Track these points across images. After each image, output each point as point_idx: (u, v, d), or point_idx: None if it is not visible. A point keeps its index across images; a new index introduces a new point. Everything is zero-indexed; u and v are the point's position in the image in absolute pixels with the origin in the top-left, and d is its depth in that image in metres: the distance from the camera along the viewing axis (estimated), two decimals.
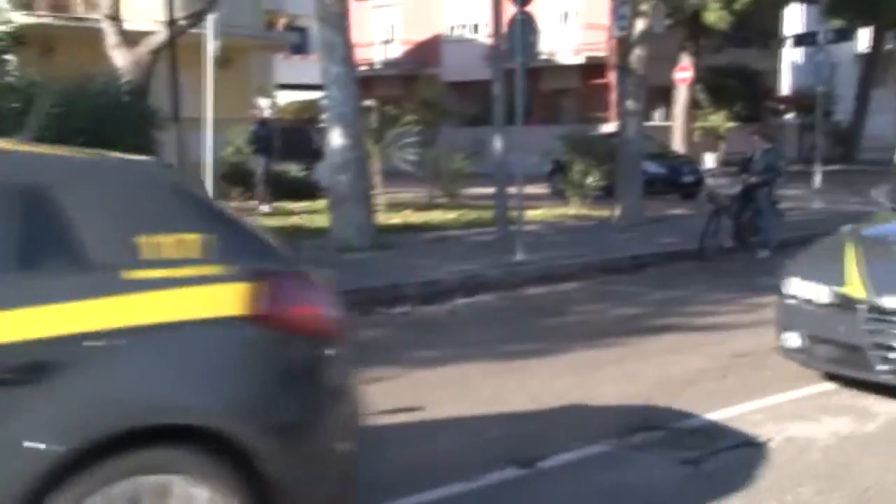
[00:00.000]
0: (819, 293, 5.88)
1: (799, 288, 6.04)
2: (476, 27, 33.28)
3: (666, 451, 4.85)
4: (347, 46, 11.85)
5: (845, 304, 5.69)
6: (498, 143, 13.30)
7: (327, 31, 11.76)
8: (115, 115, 11.40)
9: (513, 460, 4.70)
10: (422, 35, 35.69)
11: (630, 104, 15.54)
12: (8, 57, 15.72)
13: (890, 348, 5.47)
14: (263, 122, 18.69)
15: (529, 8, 12.06)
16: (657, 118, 30.25)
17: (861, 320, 5.58)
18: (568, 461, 4.74)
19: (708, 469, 4.61)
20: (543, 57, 30.66)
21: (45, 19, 20.43)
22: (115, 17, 16.94)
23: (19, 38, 16.09)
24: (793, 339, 6.04)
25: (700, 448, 4.85)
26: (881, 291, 5.56)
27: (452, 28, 35.63)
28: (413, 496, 4.27)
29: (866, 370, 5.59)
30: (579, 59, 31.37)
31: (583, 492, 4.37)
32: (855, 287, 5.70)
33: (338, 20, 11.77)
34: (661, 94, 27.58)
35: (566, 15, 32.02)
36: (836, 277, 5.86)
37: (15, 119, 10.47)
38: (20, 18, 17.66)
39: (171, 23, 16.06)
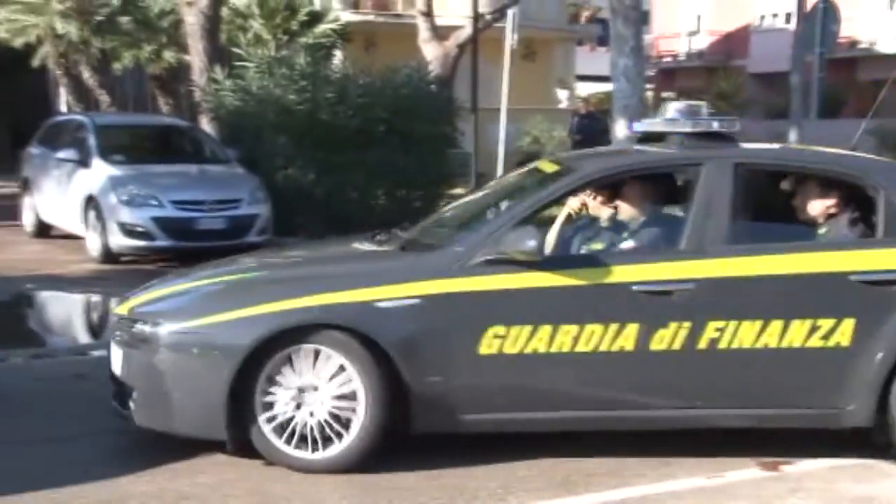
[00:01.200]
0: None
1: None
2: (788, 17, 31.68)
3: None
4: (637, 39, 11.87)
5: None
6: (793, 136, 12.81)
7: (618, 23, 11.85)
8: (416, 105, 12.22)
9: (760, 461, 4.66)
10: (730, 26, 34.55)
11: None
12: (335, 51, 17.35)
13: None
14: (588, 115, 18.70)
15: None
16: None
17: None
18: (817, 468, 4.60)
19: None
20: (863, 46, 28.64)
21: (369, 17, 22.19)
22: (428, 14, 18.12)
23: (345, 35, 17.65)
24: None
25: None
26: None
27: (762, 18, 34.15)
28: (662, 483, 4.42)
29: None
30: None
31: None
32: None
33: (629, 12, 11.80)
34: None
35: (893, 1, 29.66)
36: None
37: (329, 108, 11.63)
38: (347, 16, 19.30)
39: (476, 17, 16.86)
